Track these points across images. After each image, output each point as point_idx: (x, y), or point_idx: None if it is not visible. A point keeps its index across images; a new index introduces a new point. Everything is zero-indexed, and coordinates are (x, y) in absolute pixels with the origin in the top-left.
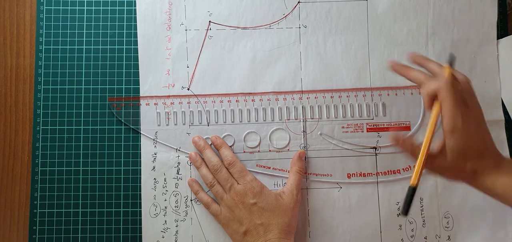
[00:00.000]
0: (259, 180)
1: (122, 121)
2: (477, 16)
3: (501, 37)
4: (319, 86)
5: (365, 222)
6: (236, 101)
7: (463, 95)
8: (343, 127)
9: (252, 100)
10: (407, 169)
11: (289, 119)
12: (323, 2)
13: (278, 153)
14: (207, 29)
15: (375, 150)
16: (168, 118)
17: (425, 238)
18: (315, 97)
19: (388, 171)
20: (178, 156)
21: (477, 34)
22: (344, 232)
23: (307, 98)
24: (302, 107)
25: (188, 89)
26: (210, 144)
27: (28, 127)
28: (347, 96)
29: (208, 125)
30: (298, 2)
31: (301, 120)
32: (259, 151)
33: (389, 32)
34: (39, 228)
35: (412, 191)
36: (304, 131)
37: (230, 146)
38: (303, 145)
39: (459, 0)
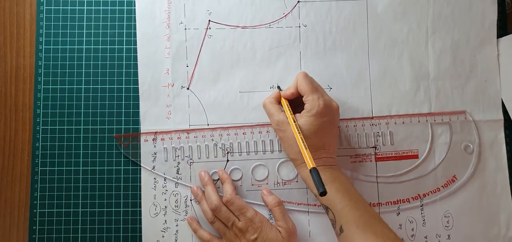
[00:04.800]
0: (261, 214)
1: (122, 120)
2: (477, 16)
3: (501, 37)
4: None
5: None
6: (243, 133)
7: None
8: (351, 156)
9: (259, 132)
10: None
11: None
12: (323, 1)
13: (287, 185)
14: (207, 28)
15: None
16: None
17: (426, 237)
18: None
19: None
20: (178, 156)
21: (477, 34)
22: None
23: None
24: None
25: (188, 88)
26: (217, 178)
27: (28, 127)
28: (354, 126)
29: (215, 157)
30: (298, 1)
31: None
32: (267, 184)
33: (389, 31)
34: (39, 228)
35: (316, 171)
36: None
37: (238, 179)
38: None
39: (459, 0)
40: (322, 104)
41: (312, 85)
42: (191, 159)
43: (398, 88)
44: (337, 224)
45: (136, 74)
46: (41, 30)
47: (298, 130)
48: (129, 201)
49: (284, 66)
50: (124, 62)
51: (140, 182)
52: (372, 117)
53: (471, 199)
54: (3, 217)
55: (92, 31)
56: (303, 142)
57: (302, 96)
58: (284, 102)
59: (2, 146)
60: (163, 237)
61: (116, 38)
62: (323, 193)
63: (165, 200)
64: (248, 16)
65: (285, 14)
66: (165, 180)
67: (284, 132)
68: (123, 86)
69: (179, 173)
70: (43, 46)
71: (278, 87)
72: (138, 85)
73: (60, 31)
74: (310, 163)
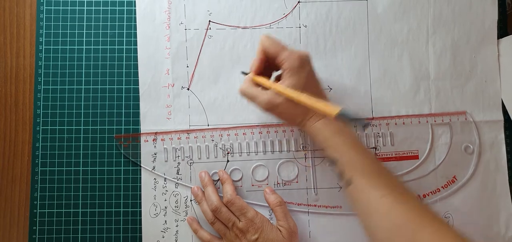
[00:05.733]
0: (262, 214)
1: (122, 120)
2: (477, 16)
3: (501, 37)
4: None
5: None
6: (243, 134)
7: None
8: None
9: (260, 132)
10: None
11: (297, 150)
12: (323, 1)
13: (287, 185)
14: (207, 29)
15: None
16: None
17: None
18: None
19: None
20: (178, 156)
21: (478, 34)
22: (341, 231)
23: None
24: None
25: (188, 89)
26: (217, 178)
27: (28, 127)
28: (354, 126)
29: (215, 157)
30: (298, 1)
31: (309, 150)
32: (267, 184)
33: (389, 32)
34: (39, 228)
35: (346, 112)
36: (313, 163)
37: (239, 179)
38: (312, 177)
39: (459, 0)
40: (299, 56)
41: (280, 44)
42: (191, 160)
43: (398, 89)
44: (346, 176)
45: (136, 74)
46: (41, 30)
47: (295, 91)
48: (129, 201)
49: None
50: (124, 63)
51: (140, 183)
52: (372, 118)
53: (471, 199)
54: (3, 217)
55: (92, 31)
56: (308, 97)
57: (272, 62)
58: (261, 79)
59: (2, 146)
60: (163, 237)
61: (116, 39)
62: (367, 124)
63: (165, 200)
64: (248, 17)
65: (285, 15)
66: (165, 180)
67: (278, 105)
68: (123, 86)
69: (179, 173)
70: (43, 46)
71: (243, 72)
72: (138, 85)
73: (60, 31)
74: (332, 109)
